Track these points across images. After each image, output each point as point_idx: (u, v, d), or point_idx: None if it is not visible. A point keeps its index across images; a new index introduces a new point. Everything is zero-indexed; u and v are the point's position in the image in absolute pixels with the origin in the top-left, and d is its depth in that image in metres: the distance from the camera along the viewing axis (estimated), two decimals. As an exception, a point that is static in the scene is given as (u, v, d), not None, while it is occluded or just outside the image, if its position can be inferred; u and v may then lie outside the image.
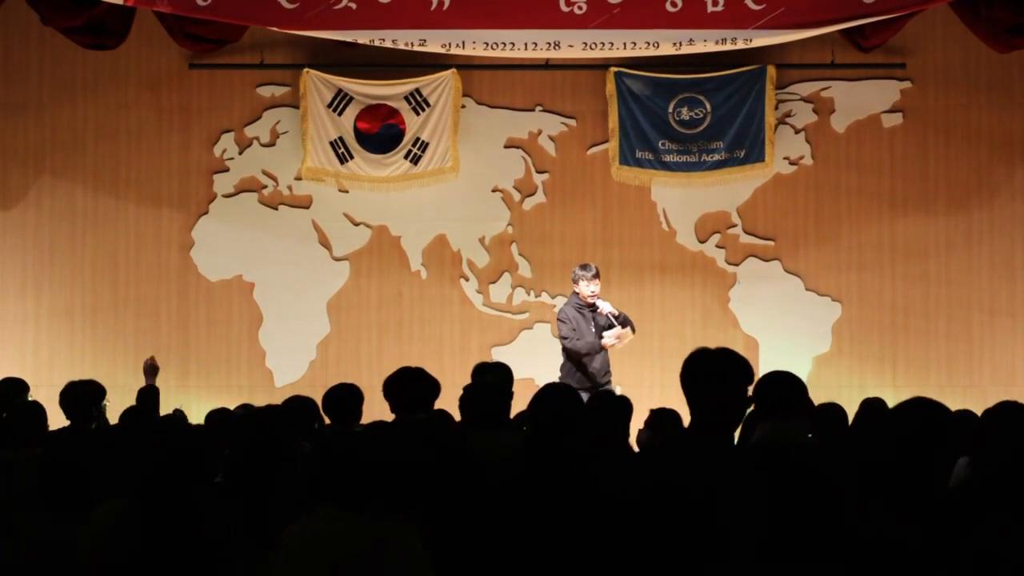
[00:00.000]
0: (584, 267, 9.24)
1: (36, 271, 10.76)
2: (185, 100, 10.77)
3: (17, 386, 7.44)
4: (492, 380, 6.80)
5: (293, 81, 10.61)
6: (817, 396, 6.53)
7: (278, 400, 6.78)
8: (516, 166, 10.81)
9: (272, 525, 3.90)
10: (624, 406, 6.32)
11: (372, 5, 9.39)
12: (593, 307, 9.10)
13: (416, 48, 9.53)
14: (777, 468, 3.74)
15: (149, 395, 8.00)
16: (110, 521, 4.09)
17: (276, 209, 10.77)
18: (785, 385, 4.58)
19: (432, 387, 6.09)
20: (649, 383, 10.29)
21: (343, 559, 3.41)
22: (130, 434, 5.82)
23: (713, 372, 3.57)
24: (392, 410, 6.04)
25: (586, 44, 9.51)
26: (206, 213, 10.77)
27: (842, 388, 10.17)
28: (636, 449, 6.62)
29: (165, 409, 8.27)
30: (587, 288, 9.10)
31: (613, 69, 10.40)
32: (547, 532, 4.17)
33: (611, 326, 9.08)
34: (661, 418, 6.60)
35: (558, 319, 9.27)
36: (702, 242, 10.77)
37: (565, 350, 9.10)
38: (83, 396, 6.72)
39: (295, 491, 4.68)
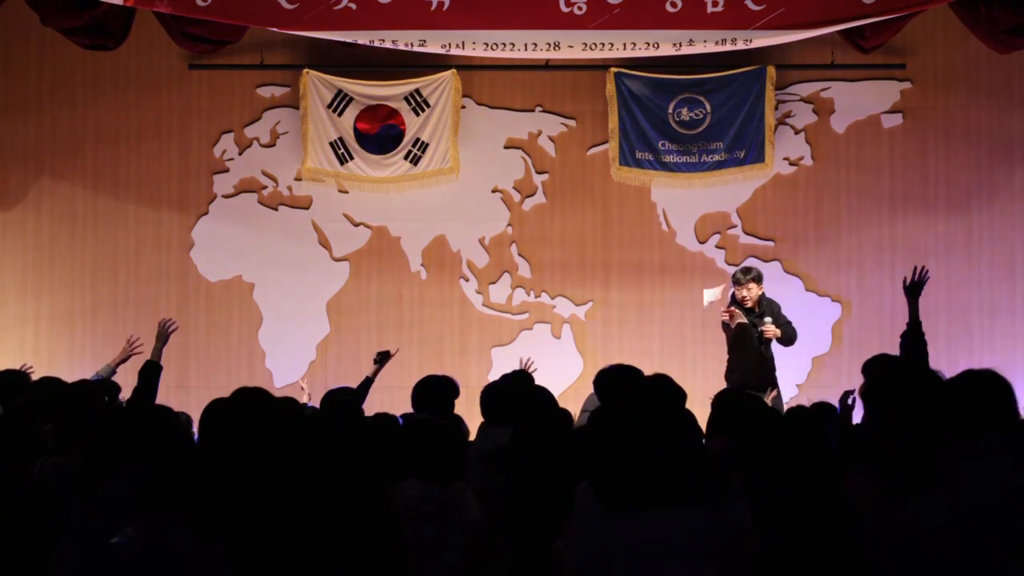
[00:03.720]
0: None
1: (36, 272, 10.75)
2: (185, 101, 10.77)
3: (110, 388, 6.98)
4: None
5: (293, 82, 10.61)
6: (816, 396, 6.53)
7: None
8: (516, 167, 10.80)
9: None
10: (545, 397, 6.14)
11: (372, 5, 9.38)
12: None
13: (416, 48, 9.51)
14: None
15: (150, 374, 6.92)
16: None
17: (276, 210, 10.77)
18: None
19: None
20: (649, 384, 10.26)
21: (426, 513, 4.86)
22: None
23: None
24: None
25: (586, 45, 9.50)
26: (206, 214, 10.77)
27: (842, 388, 10.09)
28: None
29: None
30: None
31: (613, 70, 10.40)
32: None
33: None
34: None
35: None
36: (702, 243, 10.76)
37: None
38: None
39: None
